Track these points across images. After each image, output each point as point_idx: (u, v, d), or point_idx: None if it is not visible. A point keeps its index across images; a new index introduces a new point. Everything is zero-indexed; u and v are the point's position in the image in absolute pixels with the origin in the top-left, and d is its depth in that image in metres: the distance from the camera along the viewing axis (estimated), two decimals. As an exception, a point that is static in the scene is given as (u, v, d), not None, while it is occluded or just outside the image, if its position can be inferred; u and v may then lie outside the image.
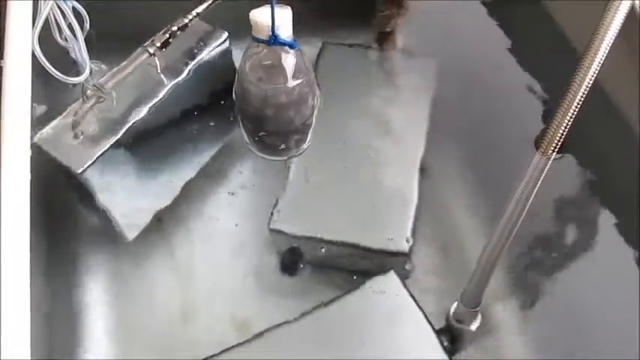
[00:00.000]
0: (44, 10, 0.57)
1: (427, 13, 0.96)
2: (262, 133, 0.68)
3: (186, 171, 0.81)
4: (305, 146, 0.71)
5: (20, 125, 0.42)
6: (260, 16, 0.60)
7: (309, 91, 0.66)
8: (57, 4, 0.62)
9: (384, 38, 0.93)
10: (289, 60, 0.64)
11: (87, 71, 0.65)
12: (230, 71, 0.83)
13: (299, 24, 0.66)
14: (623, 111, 0.78)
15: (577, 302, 0.71)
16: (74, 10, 0.68)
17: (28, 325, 0.38)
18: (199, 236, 0.78)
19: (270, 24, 0.58)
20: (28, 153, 0.43)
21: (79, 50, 0.66)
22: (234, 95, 0.72)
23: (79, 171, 0.72)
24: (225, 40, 0.80)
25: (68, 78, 0.61)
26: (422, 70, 0.87)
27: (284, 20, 0.60)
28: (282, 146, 0.71)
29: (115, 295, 0.74)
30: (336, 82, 0.83)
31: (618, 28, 0.64)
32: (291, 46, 0.62)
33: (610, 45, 0.64)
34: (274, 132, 0.68)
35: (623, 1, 0.63)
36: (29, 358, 0.37)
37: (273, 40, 0.59)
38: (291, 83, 0.64)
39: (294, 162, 0.77)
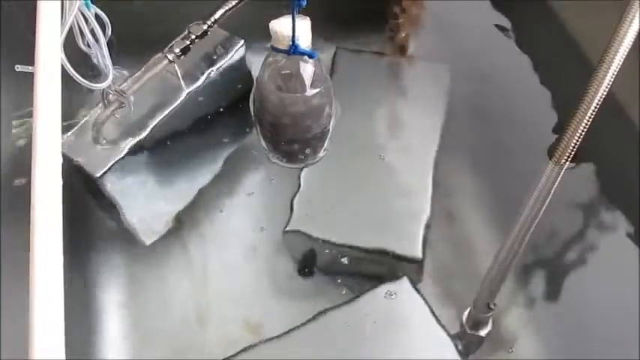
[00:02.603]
0: (69, 17, 0.58)
1: (439, 20, 0.97)
2: (280, 140, 0.69)
3: (201, 175, 0.82)
4: (322, 154, 0.72)
5: (53, 133, 0.43)
6: (280, 26, 0.60)
7: (326, 99, 0.67)
8: (80, 10, 0.63)
9: (396, 44, 0.94)
10: (308, 69, 0.64)
11: (110, 77, 0.66)
12: (245, 77, 0.85)
13: (312, 30, 0.66)
14: (636, 119, 0.78)
15: (590, 310, 0.71)
16: (96, 16, 0.68)
17: (63, 327, 0.39)
18: (214, 240, 0.79)
19: (291, 35, 0.59)
20: (60, 160, 0.44)
21: (102, 56, 0.66)
22: (251, 103, 0.73)
23: (98, 175, 0.73)
24: (241, 47, 0.81)
25: (93, 85, 0.61)
26: (435, 76, 0.88)
27: (303, 31, 0.61)
28: (300, 154, 0.71)
29: (131, 296, 0.75)
30: (350, 88, 0.84)
31: (632, 40, 0.65)
32: (310, 56, 0.63)
33: (624, 57, 0.65)
34: (292, 140, 0.69)
35: (637, 12, 0.64)
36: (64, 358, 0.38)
37: (293, 50, 0.60)
38: (310, 92, 0.65)
39: (309, 166, 0.78)
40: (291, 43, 0.60)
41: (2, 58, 0.77)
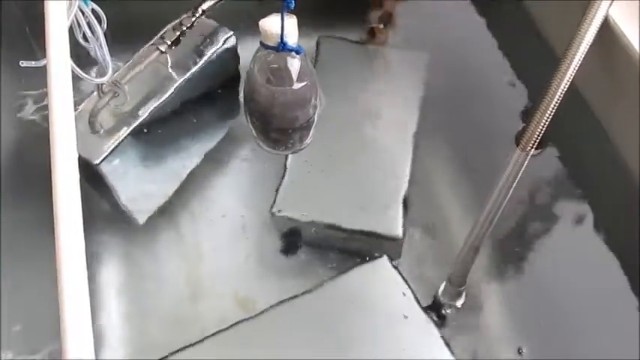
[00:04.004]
0: (71, 14, 0.60)
1: (417, 9, 1.00)
2: (269, 129, 0.72)
3: (191, 159, 0.85)
4: (308, 141, 0.76)
5: (68, 124, 0.46)
6: (269, 25, 0.63)
7: (312, 91, 0.70)
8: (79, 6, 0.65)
9: (375, 33, 0.97)
10: (295, 64, 0.68)
11: (110, 71, 0.68)
12: (233, 65, 0.88)
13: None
14: (596, 110, 0.82)
15: (552, 281, 0.75)
16: (92, 10, 0.69)
17: (90, 325, 0.41)
18: (204, 220, 0.80)
19: (279, 33, 0.63)
20: (76, 153, 0.47)
21: (100, 50, 0.69)
22: (242, 95, 0.75)
23: (97, 162, 0.76)
24: (229, 37, 0.84)
25: (94, 79, 0.64)
26: (413, 64, 0.90)
27: (291, 29, 0.64)
28: (288, 142, 0.75)
29: (127, 275, 0.77)
30: (332, 75, 0.86)
31: (594, 35, 0.70)
32: (297, 52, 0.66)
33: (586, 51, 0.70)
34: (280, 129, 0.72)
35: (598, 12, 0.69)
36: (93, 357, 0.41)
37: (282, 47, 0.64)
38: (297, 85, 0.68)
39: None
40: (279, 40, 0.63)
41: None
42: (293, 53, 0.66)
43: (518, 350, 0.70)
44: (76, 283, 0.43)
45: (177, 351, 0.68)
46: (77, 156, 0.47)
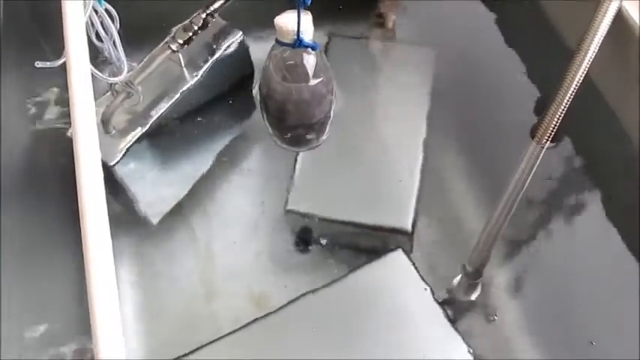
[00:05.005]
0: (85, 14, 0.60)
1: (424, 5, 1.00)
2: (286, 127, 0.72)
3: (204, 159, 0.85)
4: (324, 137, 0.76)
5: (91, 131, 0.47)
6: (285, 22, 0.64)
7: (328, 88, 0.70)
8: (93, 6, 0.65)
9: (382, 30, 0.97)
10: (311, 60, 0.67)
11: (125, 71, 0.68)
12: (245, 64, 0.88)
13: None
14: (611, 101, 0.82)
15: (567, 273, 0.75)
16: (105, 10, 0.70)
17: (120, 325, 0.41)
18: (217, 219, 0.81)
19: (295, 29, 0.63)
20: (99, 151, 0.47)
21: (115, 50, 0.69)
22: (255, 91, 0.75)
23: (112, 163, 0.76)
24: (239, 36, 0.84)
25: (109, 78, 0.64)
26: (422, 59, 0.91)
27: (306, 25, 0.64)
28: (304, 139, 0.75)
29: (140, 275, 0.77)
30: (343, 73, 0.86)
31: (607, 27, 0.70)
32: (313, 48, 0.66)
33: (600, 43, 0.70)
34: (297, 126, 0.73)
35: (612, 3, 0.69)
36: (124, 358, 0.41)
37: (298, 44, 0.64)
38: (313, 81, 0.68)
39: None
40: (295, 37, 0.63)
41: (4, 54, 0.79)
42: (309, 49, 0.66)
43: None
44: (105, 284, 0.43)
45: (196, 350, 0.68)
46: (100, 154, 0.47)
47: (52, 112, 0.87)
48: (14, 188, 0.75)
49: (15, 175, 0.78)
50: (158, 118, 0.79)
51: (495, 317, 0.73)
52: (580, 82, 0.70)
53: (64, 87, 0.75)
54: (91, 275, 0.43)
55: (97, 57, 0.75)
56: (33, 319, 0.69)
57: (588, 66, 0.70)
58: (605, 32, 0.69)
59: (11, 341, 0.66)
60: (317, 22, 0.65)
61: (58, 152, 0.78)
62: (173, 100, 0.80)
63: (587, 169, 0.82)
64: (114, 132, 0.76)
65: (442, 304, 0.71)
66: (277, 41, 0.66)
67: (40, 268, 0.73)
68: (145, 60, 0.79)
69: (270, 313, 0.70)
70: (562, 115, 0.70)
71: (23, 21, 0.90)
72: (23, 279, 0.70)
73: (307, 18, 0.64)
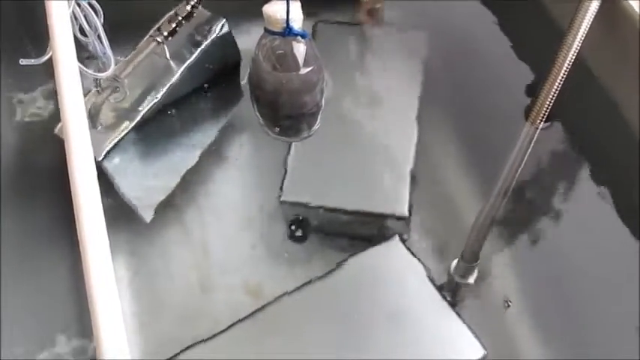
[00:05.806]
0: (69, 9, 0.59)
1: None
2: (278, 117, 0.72)
3: (194, 149, 0.84)
4: (316, 127, 0.75)
5: (82, 126, 0.46)
6: (273, 10, 0.63)
7: (319, 76, 0.70)
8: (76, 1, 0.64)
9: (370, 14, 0.96)
10: (301, 49, 0.67)
11: (112, 66, 0.67)
12: (230, 53, 0.86)
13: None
14: (603, 80, 0.82)
15: (564, 254, 0.75)
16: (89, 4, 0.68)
17: (122, 324, 0.41)
18: (210, 212, 0.80)
19: (284, 17, 0.62)
20: (92, 152, 0.46)
21: (100, 45, 0.67)
22: (245, 81, 0.74)
23: (100, 159, 0.76)
24: (223, 26, 0.83)
25: (96, 74, 0.63)
26: (413, 42, 0.90)
27: (296, 13, 0.63)
28: (297, 128, 0.74)
29: (134, 271, 0.76)
30: (331, 59, 0.84)
31: (597, 6, 0.70)
32: (303, 37, 0.65)
33: (590, 22, 0.70)
34: (289, 115, 0.72)
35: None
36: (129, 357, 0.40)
37: (288, 32, 0.63)
38: (304, 70, 0.68)
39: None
40: (285, 25, 0.62)
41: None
42: (299, 38, 0.65)
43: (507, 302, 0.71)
44: (104, 282, 0.43)
45: (195, 344, 0.67)
46: (91, 149, 0.46)
47: (38, 109, 0.86)
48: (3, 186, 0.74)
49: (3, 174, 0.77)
50: (146, 111, 0.78)
51: (494, 300, 0.73)
52: (572, 61, 0.70)
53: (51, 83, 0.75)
54: (90, 275, 0.42)
55: (81, 53, 0.73)
56: (29, 318, 0.69)
57: (579, 46, 0.70)
58: (595, 11, 0.69)
59: (10, 341, 0.66)
60: (303, 9, 0.64)
61: (47, 150, 0.77)
62: (160, 93, 0.79)
63: (581, 147, 0.82)
64: (101, 127, 0.75)
65: (440, 288, 0.71)
66: (266, 30, 0.65)
67: (34, 267, 0.72)
68: (131, 54, 0.78)
69: (268, 304, 0.69)
70: (555, 94, 0.70)
71: (9, 19, 0.88)
72: (18, 277, 0.70)
73: (296, 5, 0.63)
